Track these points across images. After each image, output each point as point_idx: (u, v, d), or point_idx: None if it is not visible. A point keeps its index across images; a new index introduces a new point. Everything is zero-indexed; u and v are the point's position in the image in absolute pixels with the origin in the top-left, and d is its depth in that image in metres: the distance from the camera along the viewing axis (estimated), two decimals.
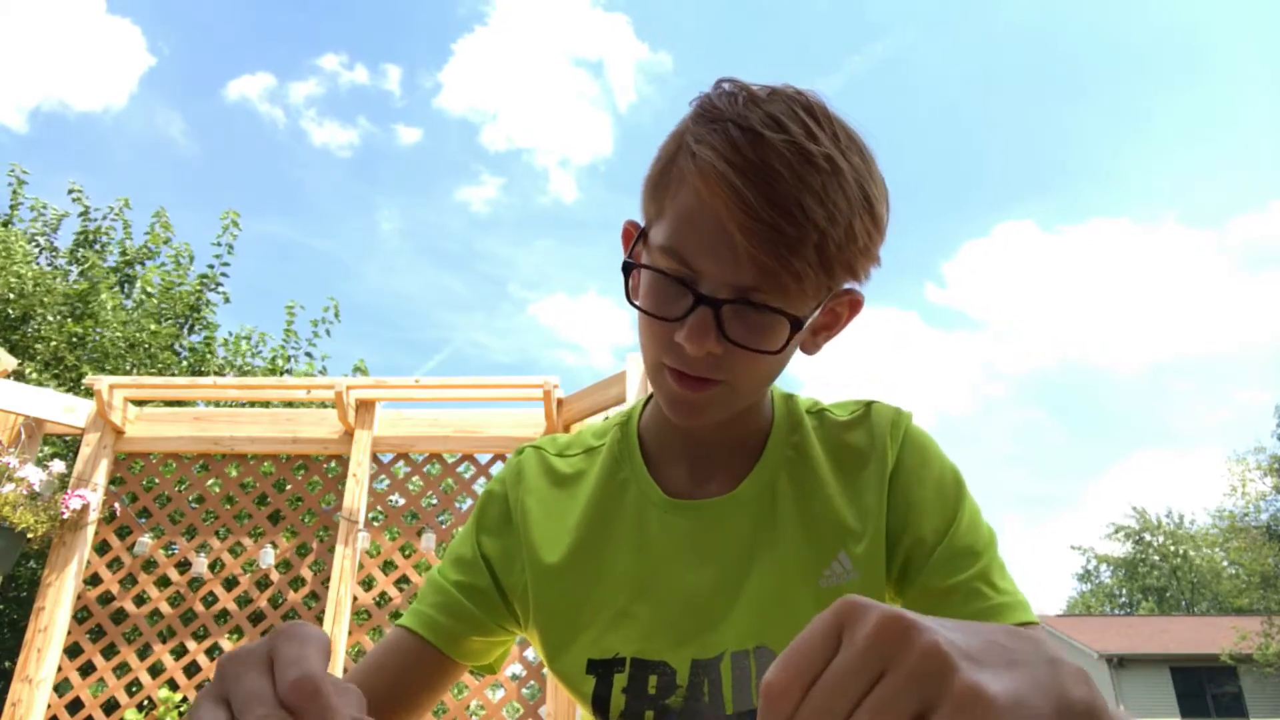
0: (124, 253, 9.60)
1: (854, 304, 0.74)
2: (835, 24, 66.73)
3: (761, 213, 0.61)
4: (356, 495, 3.69)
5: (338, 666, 3.44)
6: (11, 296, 7.75)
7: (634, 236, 0.75)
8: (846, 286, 0.70)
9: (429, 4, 60.37)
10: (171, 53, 42.04)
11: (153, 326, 8.15)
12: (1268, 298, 52.00)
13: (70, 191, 9.46)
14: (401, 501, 4.17)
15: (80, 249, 9.41)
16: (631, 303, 0.72)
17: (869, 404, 0.84)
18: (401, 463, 4.10)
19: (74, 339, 7.85)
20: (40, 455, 3.99)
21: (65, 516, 3.56)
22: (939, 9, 59.44)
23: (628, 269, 0.71)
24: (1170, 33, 54.45)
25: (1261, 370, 55.08)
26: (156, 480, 4.21)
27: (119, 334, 7.93)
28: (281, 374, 8.92)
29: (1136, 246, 56.95)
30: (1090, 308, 58.31)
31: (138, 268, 9.60)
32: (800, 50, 65.49)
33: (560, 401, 3.66)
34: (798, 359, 0.75)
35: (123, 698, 3.60)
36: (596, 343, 65.17)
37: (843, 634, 0.33)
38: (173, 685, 3.71)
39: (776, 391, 0.86)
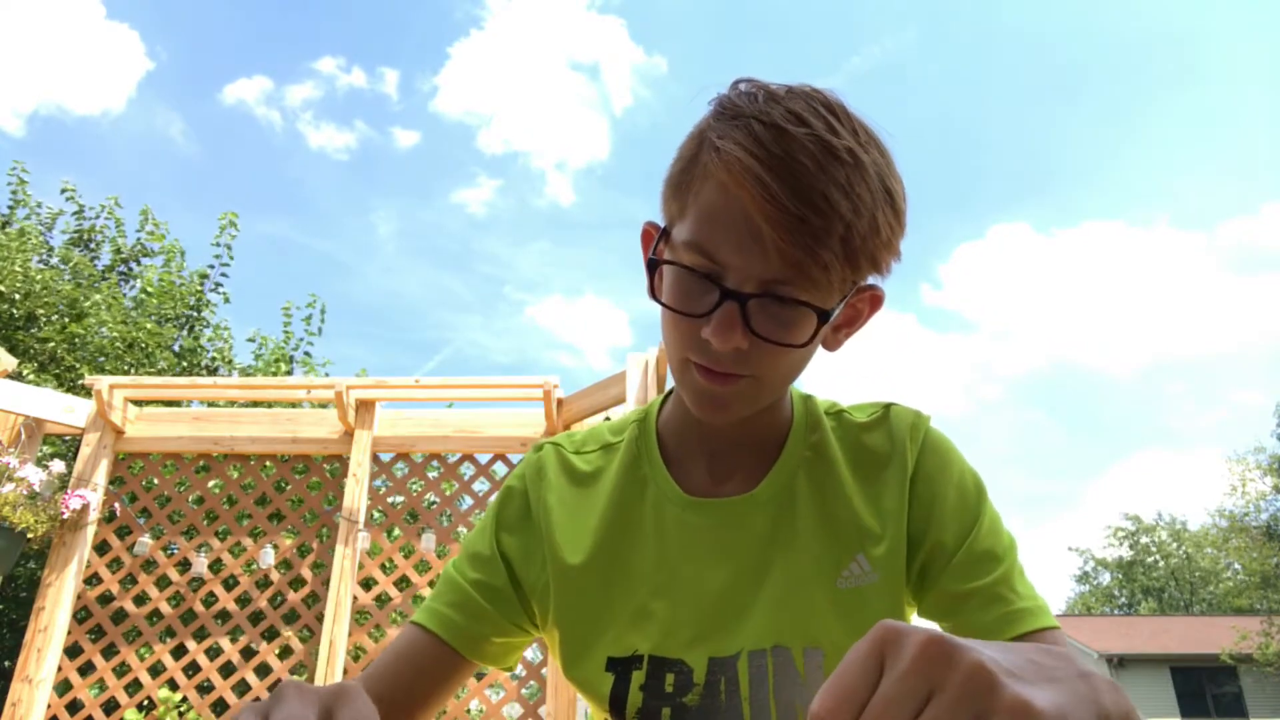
0: (118, 251, 9.60)
1: (874, 300, 0.75)
2: (830, 27, 66.86)
3: (788, 204, 0.61)
4: (356, 495, 3.69)
5: (337, 667, 3.44)
6: (17, 297, 7.74)
7: (654, 237, 0.75)
8: (869, 281, 0.71)
9: (425, 8, 60.33)
10: (169, 57, 42.07)
11: (149, 326, 8.15)
12: (1259, 300, 52.21)
13: (63, 191, 9.47)
14: (401, 501, 4.17)
15: (73, 248, 9.41)
16: (656, 300, 0.72)
17: (888, 406, 0.84)
18: (401, 463, 4.10)
19: (74, 339, 7.85)
20: (40, 455, 3.99)
21: (65, 516, 3.55)
22: (933, 12, 59.56)
23: (652, 266, 0.71)
24: (1163, 37, 54.63)
25: (1256, 371, 55.27)
26: (156, 480, 4.20)
27: (116, 334, 7.93)
28: (283, 375, 8.92)
29: (1130, 249, 57.13)
30: (1085, 309, 58.45)
31: (133, 265, 9.60)
32: (795, 53, 65.52)
33: (560, 401, 3.66)
34: (816, 356, 0.75)
35: (123, 698, 3.59)
36: (594, 344, 65.24)
37: (884, 659, 0.33)
38: (173, 685, 3.71)
39: (795, 392, 0.85)
